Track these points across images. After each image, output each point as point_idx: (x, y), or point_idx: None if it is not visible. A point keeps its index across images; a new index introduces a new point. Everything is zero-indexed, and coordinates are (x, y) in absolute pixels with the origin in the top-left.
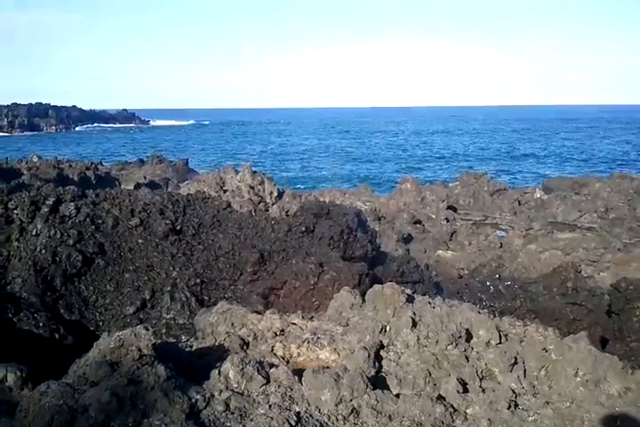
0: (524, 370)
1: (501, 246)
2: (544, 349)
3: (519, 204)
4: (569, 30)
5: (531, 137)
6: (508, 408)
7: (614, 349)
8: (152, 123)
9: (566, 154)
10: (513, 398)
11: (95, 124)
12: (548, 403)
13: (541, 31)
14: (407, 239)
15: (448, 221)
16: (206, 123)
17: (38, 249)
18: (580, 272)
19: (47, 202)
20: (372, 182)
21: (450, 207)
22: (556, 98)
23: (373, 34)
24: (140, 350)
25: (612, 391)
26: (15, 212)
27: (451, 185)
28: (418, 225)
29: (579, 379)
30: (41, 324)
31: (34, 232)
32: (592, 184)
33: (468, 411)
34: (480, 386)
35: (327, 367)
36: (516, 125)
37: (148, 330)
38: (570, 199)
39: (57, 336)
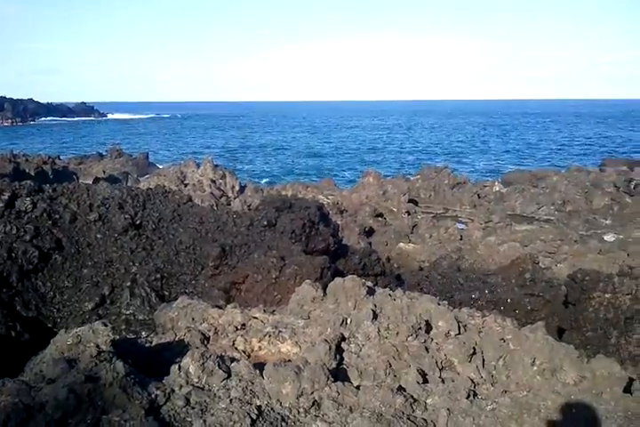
0: (483, 360)
1: (461, 239)
2: (502, 339)
3: (479, 197)
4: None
5: (491, 131)
6: (467, 398)
7: (571, 338)
8: (111, 116)
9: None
10: (472, 388)
11: (52, 118)
12: (505, 392)
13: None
14: (369, 232)
15: (409, 214)
16: (166, 116)
17: None
18: (538, 264)
19: (2, 197)
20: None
21: (411, 200)
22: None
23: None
24: (98, 346)
25: (568, 380)
26: None
27: (412, 178)
28: (380, 218)
29: (536, 368)
30: None
31: None
32: (550, 177)
33: (427, 401)
34: (440, 376)
35: (289, 361)
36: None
37: (106, 326)
38: (528, 192)
39: (13, 333)
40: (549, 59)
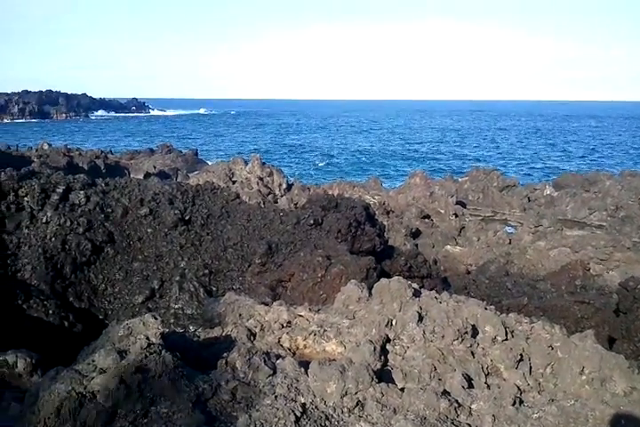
0: (530, 367)
1: (510, 243)
2: (550, 346)
3: (529, 200)
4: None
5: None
6: (513, 405)
7: (621, 348)
8: (161, 112)
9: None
10: (518, 395)
11: (105, 113)
12: (552, 400)
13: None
14: (415, 234)
15: (457, 216)
16: (215, 112)
17: (48, 237)
18: (589, 270)
19: (57, 190)
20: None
21: (459, 202)
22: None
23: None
24: (148, 338)
25: (618, 390)
26: (25, 199)
27: (460, 180)
28: (426, 220)
29: (584, 377)
30: (50, 311)
31: (44, 220)
32: (602, 182)
33: (472, 406)
34: (485, 382)
35: (333, 360)
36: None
37: (156, 319)
38: (580, 196)
39: (66, 324)
40: (597, 59)
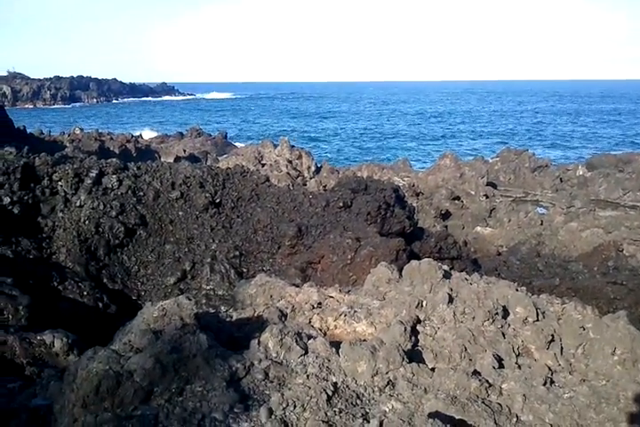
0: (561, 348)
1: (542, 224)
2: (582, 327)
3: (561, 181)
4: None
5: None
6: (544, 385)
7: None
8: (190, 96)
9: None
10: (549, 375)
11: (135, 97)
12: (584, 381)
13: None
14: (445, 215)
15: (487, 197)
16: (244, 96)
17: (82, 220)
18: (622, 251)
19: (90, 174)
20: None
21: (489, 184)
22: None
23: None
24: (182, 319)
25: None
26: (59, 183)
27: (490, 161)
28: (456, 201)
29: (616, 358)
30: (85, 293)
31: (77, 204)
32: (636, 162)
33: (503, 386)
34: (516, 362)
35: (363, 340)
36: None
37: (190, 300)
38: (613, 177)
39: (100, 305)
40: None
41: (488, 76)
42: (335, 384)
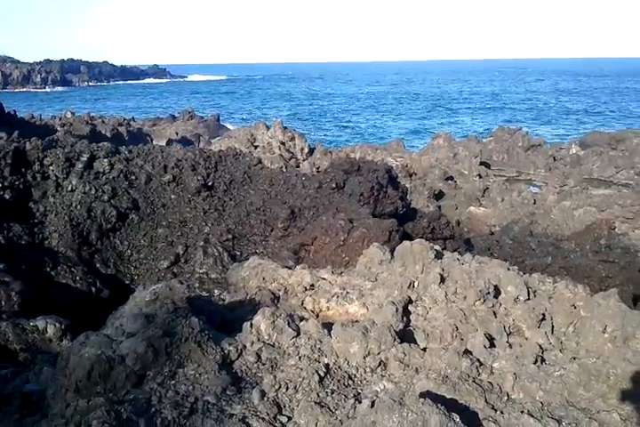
0: (552, 326)
1: (534, 203)
2: (573, 305)
3: (554, 160)
4: None
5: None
6: (535, 363)
7: None
8: (182, 78)
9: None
10: (540, 354)
11: (126, 80)
12: (574, 358)
13: None
14: (438, 196)
15: (480, 177)
16: (239, 77)
17: (74, 205)
18: (615, 229)
19: (82, 158)
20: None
21: (483, 163)
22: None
23: None
24: (174, 302)
25: None
26: (50, 168)
27: (484, 140)
28: (449, 181)
29: (607, 335)
30: (78, 278)
31: (69, 188)
32: (630, 140)
33: (494, 365)
34: (507, 341)
35: (356, 321)
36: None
37: (182, 284)
38: (606, 155)
39: (93, 290)
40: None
41: (499, 54)
42: (327, 366)
